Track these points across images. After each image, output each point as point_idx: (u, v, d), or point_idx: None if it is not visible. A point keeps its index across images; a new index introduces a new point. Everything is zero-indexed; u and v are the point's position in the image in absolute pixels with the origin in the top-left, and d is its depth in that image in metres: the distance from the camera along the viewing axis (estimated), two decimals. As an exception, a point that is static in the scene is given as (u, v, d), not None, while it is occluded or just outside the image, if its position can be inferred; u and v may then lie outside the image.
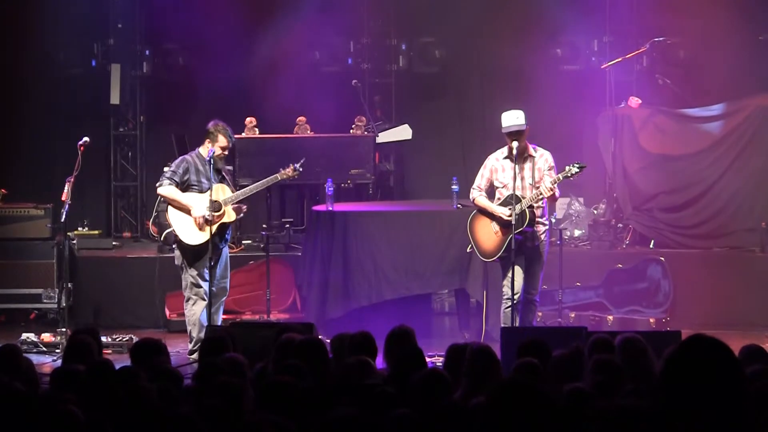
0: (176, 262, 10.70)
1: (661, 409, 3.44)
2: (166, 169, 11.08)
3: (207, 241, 10.39)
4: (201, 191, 10.55)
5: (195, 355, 10.37)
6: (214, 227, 10.40)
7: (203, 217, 10.42)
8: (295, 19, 14.35)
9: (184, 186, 10.57)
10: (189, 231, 10.46)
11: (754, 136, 12.69)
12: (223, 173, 10.77)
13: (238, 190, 10.93)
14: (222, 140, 10.59)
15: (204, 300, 10.47)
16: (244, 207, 10.78)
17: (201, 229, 10.45)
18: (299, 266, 12.44)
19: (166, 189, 10.55)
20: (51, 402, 5.08)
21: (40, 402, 5.11)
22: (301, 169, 10.93)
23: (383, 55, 15.17)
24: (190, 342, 10.62)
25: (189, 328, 10.63)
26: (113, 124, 15.02)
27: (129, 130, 15.12)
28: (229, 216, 10.59)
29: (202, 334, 10.19)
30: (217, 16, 14.34)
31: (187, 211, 10.49)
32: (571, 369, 6.18)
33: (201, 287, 10.49)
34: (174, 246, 10.69)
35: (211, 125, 10.66)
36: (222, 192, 10.58)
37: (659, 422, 3.46)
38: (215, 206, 10.46)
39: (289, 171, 10.93)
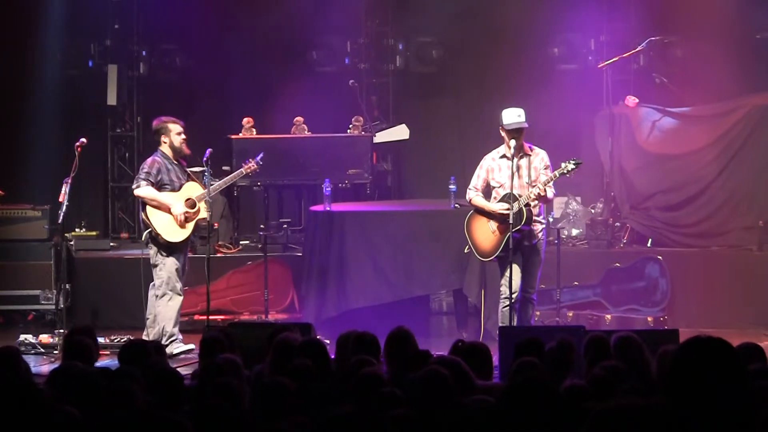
0: (151, 261, 10.85)
1: (664, 409, 3.45)
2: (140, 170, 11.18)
3: (187, 238, 10.78)
4: (173, 190, 10.82)
5: (167, 349, 10.58)
6: (192, 224, 10.74)
7: (183, 214, 10.68)
8: (292, 19, 14.35)
9: (158, 186, 10.82)
10: (170, 229, 10.74)
11: (752, 135, 12.70)
12: (188, 171, 11.02)
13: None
14: (174, 127, 10.94)
15: (180, 295, 10.79)
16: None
17: (182, 226, 10.72)
18: (300, 266, 12.44)
19: (145, 190, 10.76)
20: (48, 402, 5.07)
21: (37, 402, 5.11)
22: (261, 162, 11.35)
23: (380, 54, 15.16)
24: (163, 337, 10.75)
25: (162, 324, 10.74)
26: (110, 125, 15.02)
27: (126, 131, 15.13)
28: (204, 212, 10.84)
29: (176, 329, 10.66)
30: (213, 17, 14.35)
31: (167, 210, 10.73)
32: (561, 362, 6.20)
33: (178, 283, 10.77)
34: (147, 244, 10.85)
35: (155, 123, 11.03)
36: (194, 190, 10.85)
37: (662, 422, 3.46)
38: (190, 203, 10.76)
39: (252, 165, 11.33)
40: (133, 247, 14.09)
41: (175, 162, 10.89)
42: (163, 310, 10.76)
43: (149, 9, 14.86)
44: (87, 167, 12.65)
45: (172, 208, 10.68)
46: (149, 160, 10.95)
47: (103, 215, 15.11)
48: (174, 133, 10.88)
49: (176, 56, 15.08)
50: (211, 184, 10.86)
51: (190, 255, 11.20)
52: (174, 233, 10.70)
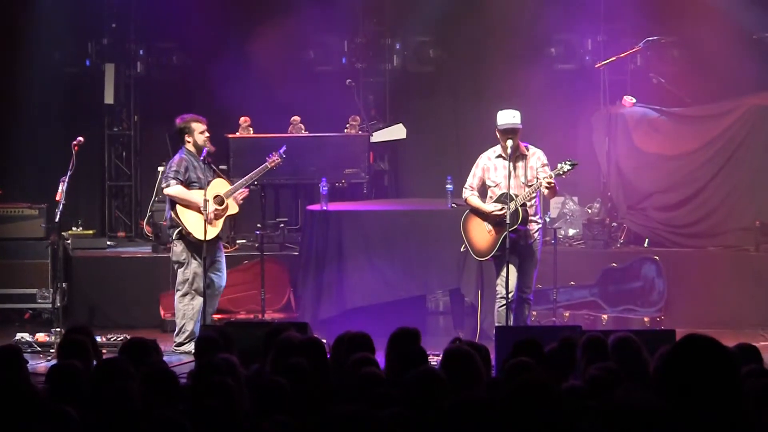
0: (174, 258, 10.83)
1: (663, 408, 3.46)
2: (165, 169, 11.16)
3: (217, 235, 10.79)
4: (201, 187, 10.78)
5: (183, 347, 10.70)
6: (221, 221, 10.79)
7: (213, 212, 10.68)
8: (289, 19, 14.34)
9: (186, 184, 10.82)
10: (200, 227, 10.64)
11: (748, 135, 12.70)
12: (213, 167, 10.93)
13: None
14: (198, 126, 10.93)
15: (201, 296, 10.71)
16: (246, 191, 11.13)
17: (211, 224, 10.67)
18: (297, 266, 12.45)
19: (175, 188, 10.75)
20: (45, 401, 5.07)
21: (34, 401, 5.10)
22: (284, 155, 11.32)
23: (377, 54, 15.15)
24: (181, 335, 10.73)
25: (183, 322, 10.78)
26: (107, 124, 15.02)
27: (123, 129, 15.12)
28: (233, 208, 10.88)
29: (197, 329, 10.50)
30: (210, 16, 14.34)
31: (197, 208, 10.68)
32: (563, 361, 6.19)
33: (202, 283, 10.71)
34: (173, 242, 10.81)
35: (178, 121, 11.00)
36: (221, 186, 10.83)
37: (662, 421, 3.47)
38: (218, 200, 10.72)
39: (276, 159, 11.31)
40: (130, 246, 14.11)
41: (201, 159, 10.84)
42: (185, 308, 10.83)
43: (146, 8, 14.85)
44: (84, 166, 12.65)
45: (202, 206, 10.65)
46: (176, 158, 10.95)
47: (100, 214, 15.10)
48: (197, 132, 10.86)
49: (173, 55, 15.08)
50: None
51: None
52: (204, 231, 10.68)
